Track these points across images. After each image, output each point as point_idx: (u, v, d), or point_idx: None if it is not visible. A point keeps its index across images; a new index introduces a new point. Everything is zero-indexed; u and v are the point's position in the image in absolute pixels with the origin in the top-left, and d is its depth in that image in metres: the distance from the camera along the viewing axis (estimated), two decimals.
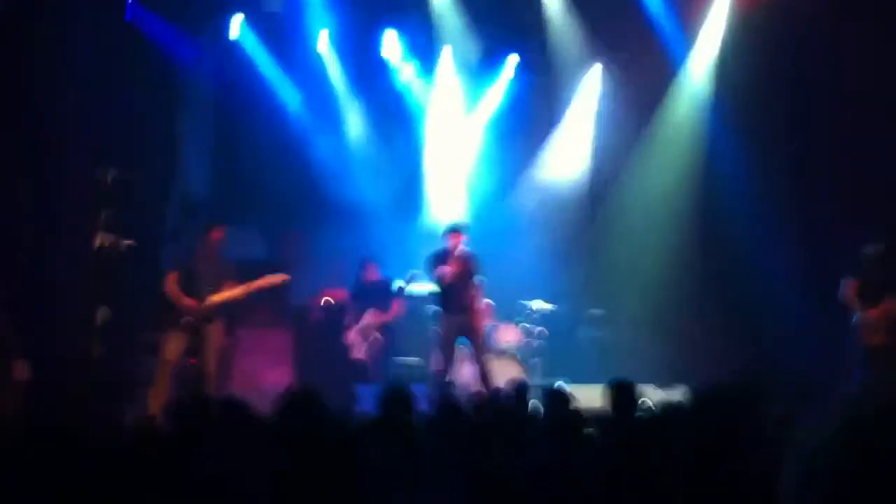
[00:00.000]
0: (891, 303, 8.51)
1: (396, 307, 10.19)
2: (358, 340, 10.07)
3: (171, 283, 8.28)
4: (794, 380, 8.41)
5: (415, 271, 10.05)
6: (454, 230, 9.10)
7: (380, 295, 10.22)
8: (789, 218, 10.39)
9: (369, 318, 10.10)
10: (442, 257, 9.03)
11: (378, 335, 10.08)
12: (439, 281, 9.00)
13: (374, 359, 10.07)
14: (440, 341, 9.07)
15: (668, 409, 4.85)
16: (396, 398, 4.93)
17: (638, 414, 5.25)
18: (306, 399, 4.52)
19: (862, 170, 10.07)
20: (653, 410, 5.79)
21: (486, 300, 9.72)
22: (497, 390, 7.51)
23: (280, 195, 11.50)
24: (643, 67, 11.46)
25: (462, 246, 9.03)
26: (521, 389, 6.19)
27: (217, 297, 8.32)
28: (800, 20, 10.11)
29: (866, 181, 9.99)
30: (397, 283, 10.23)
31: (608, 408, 5.14)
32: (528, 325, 10.61)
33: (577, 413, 4.98)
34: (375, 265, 10.39)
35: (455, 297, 8.95)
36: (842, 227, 9.67)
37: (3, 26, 8.76)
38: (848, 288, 8.65)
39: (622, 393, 5.14)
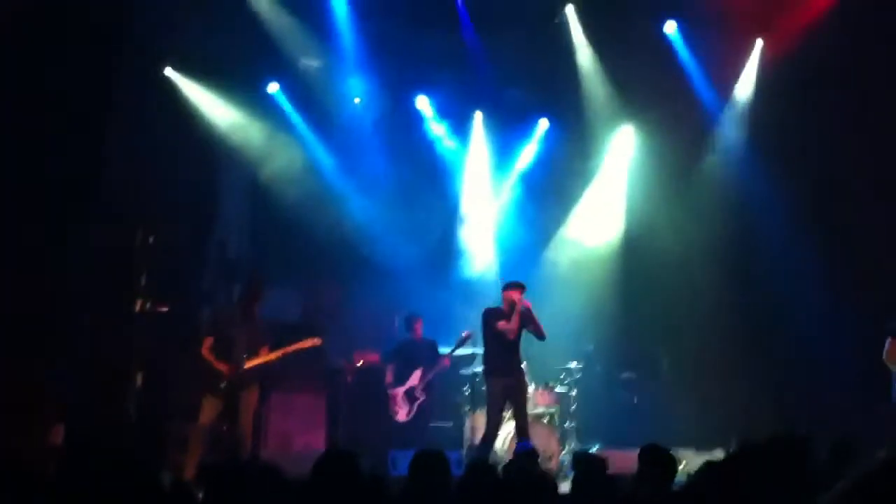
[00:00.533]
0: None
1: (438, 367, 10.06)
2: (403, 402, 9.96)
3: (206, 348, 8.34)
4: (835, 437, 8.23)
5: (466, 334, 9.80)
6: (515, 286, 8.86)
7: (425, 353, 10.12)
8: (828, 274, 10.28)
9: (416, 379, 10.00)
10: (501, 314, 8.80)
11: (425, 396, 9.97)
12: (501, 338, 8.72)
13: (420, 421, 9.94)
14: (490, 405, 8.74)
15: (705, 470, 4.76)
16: (430, 463, 4.89)
17: (677, 479, 5.15)
18: (342, 462, 4.50)
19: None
20: (691, 475, 5.69)
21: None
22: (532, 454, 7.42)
23: (316, 255, 11.58)
24: (675, 124, 11.54)
25: (524, 302, 8.77)
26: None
27: (251, 362, 8.36)
28: (825, 69, 10.14)
29: None
30: (462, 336, 9.93)
31: (643, 473, 5.05)
32: (562, 389, 10.47)
33: (610, 479, 4.90)
34: (421, 321, 10.29)
35: (511, 357, 8.77)
36: (884, 283, 9.56)
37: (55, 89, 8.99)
38: (891, 347, 8.52)
39: (656, 458, 5.05)
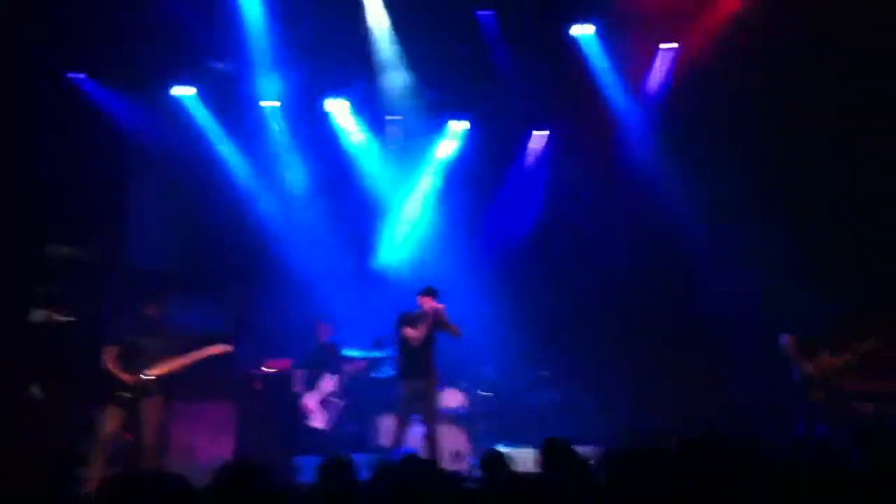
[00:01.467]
0: (825, 358, 8.66)
1: (354, 369, 10.00)
2: (317, 408, 9.86)
3: (109, 358, 8.17)
4: (748, 429, 8.43)
5: (380, 336, 9.91)
6: (427, 292, 8.91)
7: (332, 358, 10.05)
8: (742, 265, 10.49)
9: (327, 384, 9.89)
10: (415, 318, 8.87)
11: (338, 401, 9.88)
12: (411, 342, 8.78)
13: (335, 425, 9.84)
14: (399, 408, 8.82)
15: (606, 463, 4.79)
16: (335, 469, 4.86)
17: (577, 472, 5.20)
18: (244, 471, 4.43)
19: (802, 225, 10.31)
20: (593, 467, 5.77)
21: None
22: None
23: (226, 260, 11.40)
24: (590, 125, 11.64)
25: (435, 309, 8.83)
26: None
27: (155, 371, 8.20)
28: (733, 71, 10.40)
29: (816, 224, 10.24)
30: (376, 341, 9.97)
31: (541, 468, 5.10)
32: (474, 390, 10.52)
33: (513, 475, 4.93)
34: (328, 326, 10.20)
35: (421, 360, 8.80)
36: (789, 285, 9.82)
37: None
38: (788, 343, 8.77)
39: (553, 451, 5.10)
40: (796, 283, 9.32)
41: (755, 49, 10.17)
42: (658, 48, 11.22)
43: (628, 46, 11.10)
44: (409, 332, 8.76)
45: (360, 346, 10.51)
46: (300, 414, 9.84)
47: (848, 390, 9.08)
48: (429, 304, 8.83)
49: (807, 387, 8.62)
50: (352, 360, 10.10)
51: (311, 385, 9.96)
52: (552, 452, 5.13)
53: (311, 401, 9.88)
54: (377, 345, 9.92)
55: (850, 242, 10.31)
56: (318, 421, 9.80)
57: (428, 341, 8.83)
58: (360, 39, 11.19)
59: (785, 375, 8.87)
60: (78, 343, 8.98)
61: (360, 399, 10.21)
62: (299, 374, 10.06)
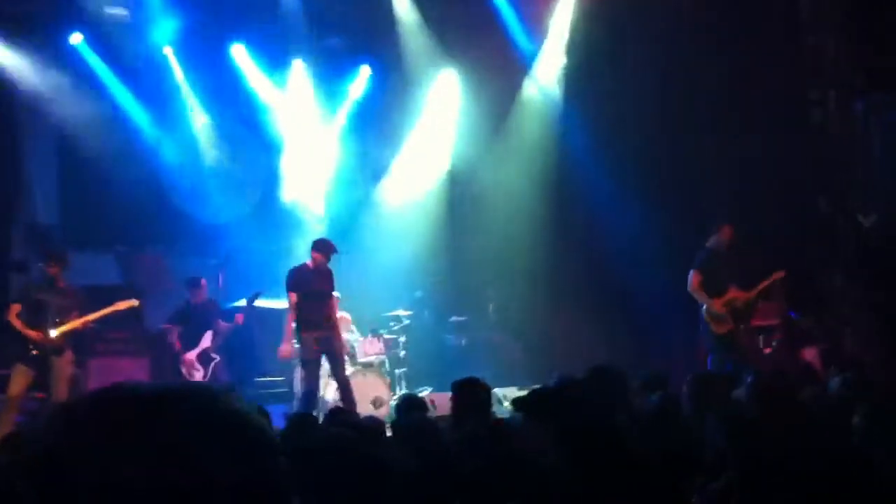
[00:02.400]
0: (733, 293, 8.90)
1: (228, 325, 9.86)
2: (196, 366, 9.65)
3: (14, 315, 7.99)
4: (658, 365, 8.65)
5: (259, 290, 9.83)
6: (317, 246, 8.84)
7: (211, 315, 9.85)
8: (643, 211, 10.67)
9: (207, 340, 9.73)
10: (301, 272, 8.82)
11: (217, 357, 9.72)
12: (308, 293, 8.65)
13: (218, 381, 9.69)
14: (303, 359, 8.79)
15: (524, 400, 4.88)
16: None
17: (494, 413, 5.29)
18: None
19: (705, 163, 10.51)
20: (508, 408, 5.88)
21: (344, 313, 9.63)
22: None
23: (132, 215, 11.10)
24: (495, 67, 11.64)
25: (322, 262, 8.78)
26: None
27: (64, 328, 8.02)
28: (644, 10, 10.49)
29: (709, 175, 10.45)
30: (240, 302, 9.90)
31: (456, 409, 5.16)
32: (390, 336, 10.55)
33: (428, 420, 4.97)
34: (203, 283, 9.97)
35: (314, 312, 8.78)
36: (692, 220, 10.02)
37: None
38: (693, 279, 8.95)
39: (465, 393, 5.16)
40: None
41: None
42: None
43: None
44: (293, 299, 8.64)
45: (277, 296, 10.42)
46: (183, 372, 9.60)
47: (752, 326, 9.40)
48: (316, 256, 8.74)
49: (714, 322, 8.85)
50: (233, 312, 9.91)
51: (192, 344, 9.71)
52: (461, 388, 5.19)
53: (191, 357, 9.65)
54: (255, 297, 9.78)
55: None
56: (198, 377, 9.59)
57: (322, 292, 8.74)
58: None
59: (692, 313, 9.09)
60: None
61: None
62: (175, 332, 9.74)
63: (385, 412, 9.28)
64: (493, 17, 11.52)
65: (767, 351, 9.86)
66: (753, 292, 8.94)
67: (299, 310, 8.70)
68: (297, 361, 9.60)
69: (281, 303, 9.82)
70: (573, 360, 9.62)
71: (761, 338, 9.93)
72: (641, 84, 10.72)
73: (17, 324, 7.95)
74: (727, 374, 7.90)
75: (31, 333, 7.93)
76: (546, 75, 11.89)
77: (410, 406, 5.65)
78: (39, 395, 8.15)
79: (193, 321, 9.73)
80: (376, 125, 12.08)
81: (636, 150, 10.80)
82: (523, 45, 11.86)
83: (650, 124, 10.68)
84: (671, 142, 10.62)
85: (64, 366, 8.06)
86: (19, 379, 7.90)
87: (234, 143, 11.66)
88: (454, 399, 5.22)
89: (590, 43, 11.19)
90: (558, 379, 5.28)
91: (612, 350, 9.69)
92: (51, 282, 8.16)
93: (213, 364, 9.62)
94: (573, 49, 11.56)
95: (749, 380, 5.37)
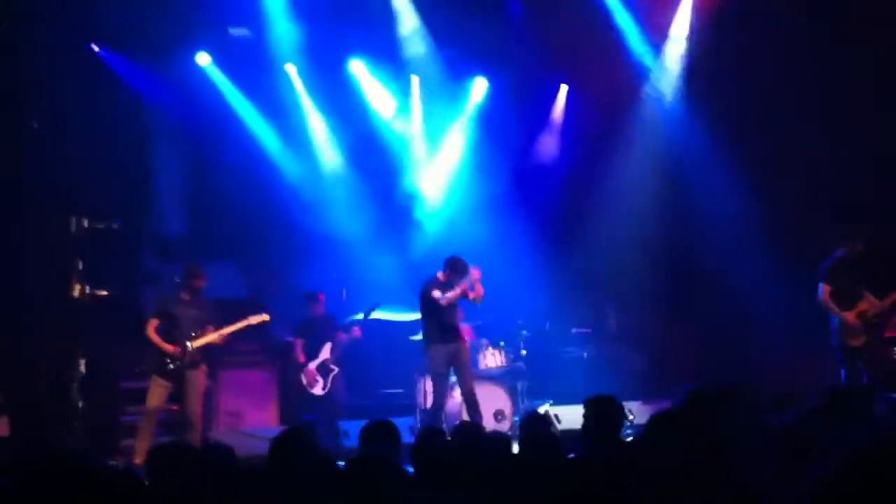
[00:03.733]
0: (865, 304, 8.57)
1: (346, 337, 9.98)
2: (317, 377, 9.84)
3: (152, 330, 8.25)
4: (779, 380, 8.43)
5: (376, 303, 9.97)
6: (453, 260, 8.84)
7: (331, 328, 10.04)
8: (765, 221, 10.41)
9: (327, 352, 9.91)
10: (439, 283, 8.82)
11: (336, 369, 9.90)
12: (438, 306, 8.70)
13: (337, 393, 9.86)
14: (434, 372, 8.81)
15: (653, 420, 4.80)
16: (380, 433, 4.89)
17: (627, 432, 5.21)
18: (299, 439, 4.50)
19: (831, 169, 10.14)
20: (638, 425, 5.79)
21: (465, 325, 9.67)
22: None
23: (257, 230, 11.41)
24: (610, 79, 11.51)
25: (452, 278, 8.77)
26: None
27: (199, 341, 8.28)
28: (761, 19, 10.22)
29: (836, 182, 10.07)
30: (357, 316, 10.05)
31: (588, 424, 5.09)
32: (511, 348, 10.51)
33: (555, 437, 4.93)
34: (322, 297, 10.17)
35: (449, 324, 8.79)
36: (817, 228, 9.71)
37: None
38: (823, 291, 8.67)
39: (601, 408, 5.08)
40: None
41: None
42: None
43: None
44: (437, 293, 8.69)
45: (397, 309, 10.55)
46: (305, 383, 9.81)
47: (886, 337, 9.03)
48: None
49: (846, 335, 8.54)
50: (349, 325, 10.05)
51: (313, 355, 9.90)
52: (595, 406, 5.11)
53: (312, 368, 9.83)
54: (370, 311, 9.89)
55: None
56: (317, 388, 9.78)
57: (454, 305, 8.82)
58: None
59: (821, 325, 8.79)
60: (118, 317, 9.06)
61: (400, 362, 10.23)
62: (299, 345, 9.98)
63: (507, 425, 9.29)
64: (608, 23, 11.40)
65: None
66: (887, 302, 8.59)
67: (427, 322, 8.76)
68: (417, 374, 9.71)
69: (399, 315, 9.96)
70: (695, 375, 9.46)
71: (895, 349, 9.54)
72: (769, 88, 10.43)
73: (155, 338, 8.21)
74: (864, 387, 7.61)
75: (169, 348, 8.18)
76: (664, 82, 11.69)
77: (536, 421, 5.63)
78: (174, 407, 8.40)
79: (314, 333, 9.95)
80: (493, 136, 12.09)
81: (762, 160, 10.51)
82: (639, 51, 11.69)
83: (778, 131, 10.39)
84: (802, 146, 10.27)
85: (199, 379, 8.30)
86: (157, 391, 8.16)
87: (353, 157, 11.84)
88: (587, 415, 5.16)
89: (710, 49, 10.95)
90: (687, 394, 5.17)
91: (730, 365, 9.49)
92: (189, 296, 8.40)
93: (331, 375, 9.81)
94: (692, 54, 11.33)
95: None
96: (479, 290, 8.77)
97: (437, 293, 8.69)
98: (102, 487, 4.04)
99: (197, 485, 4.26)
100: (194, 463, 4.51)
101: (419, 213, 12.09)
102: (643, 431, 4.88)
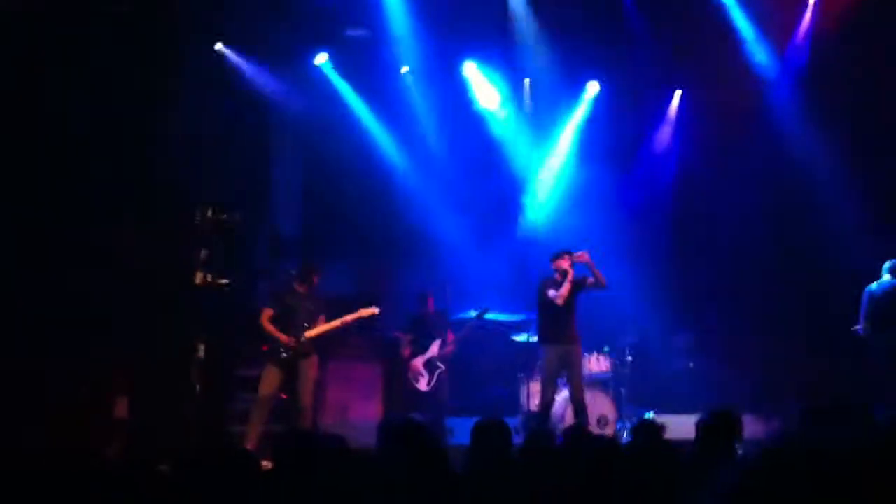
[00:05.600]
0: None
1: (456, 336, 10.06)
2: (423, 372, 9.97)
3: (266, 319, 8.50)
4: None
5: (487, 306, 10.02)
6: (561, 254, 8.78)
7: (442, 325, 10.16)
8: (884, 231, 10.08)
9: (435, 349, 10.04)
10: (554, 282, 8.78)
11: (443, 366, 10.01)
12: (553, 306, 8.67)
13: (441, 390, 9.98)
14: (544, 373, 8.79)
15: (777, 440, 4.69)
16: (492, 431, 4.93)
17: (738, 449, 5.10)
18: (411, 432, 4.57)
19: None
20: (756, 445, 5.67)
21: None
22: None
23: (369, 228, 11.60)
24: (727, 85, 11.34)
25: (580, 258, 8.70)
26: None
27: (311, 332, 8.49)
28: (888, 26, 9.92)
29: None
30: (472, 313, 10.11)
31: (707, 439, 5.01)
32: (617, 354, 10.47)
33: (668, 445, 4.88)
34: (432, 296, 10.31)
35: (564, 324, 8.77)
36: None
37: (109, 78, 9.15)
38: None
39: (716, 424, 4.98)
40: None
41: None
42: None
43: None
44: (552, 293, 8.67)
45: (506, 311, 10.59)
46: (410, 378, 9.92)
47: None
48: (566, 264, 8.70)
49: None
50: (459, 325, 10.10)
51: (420, 351, 9.99)
52: (714, 424, 5.02)
53: (419, 364, 9.94)
54: (483, 313, 9.92)
55: None
56: (422, 384, 9.88)
57: (570, 306, 8.75)
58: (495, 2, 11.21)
59: None
60: (235, 306, 9.35)
61: (504, 362, 10.28)
62: (407, 340, 10.10)
63: (610, 431, 9.25)
64: (727, 29, 11.22)
65: None
66: None
67: (541, 322, 8.77)
68: (522, 375, 9.74)
69: (502, 316, 9.99)
70: (798, 390, 9.25)
71: None
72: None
73: (270, 328, 8.44)
74: None
75: (283, 337, 8.41)
76: (782, 91, 11.44)
77: (648, 430, 5.60)
78: (283, 395, 8.62)
79: (424, 330, 10.08)
80: (604, 141, 12.03)
81: (888, 172, 10.18)
82: (760, 59, 11.47)
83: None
84: None
85: (310, 368, 8.50)
86: (270, 380, 8.38)
87: (466, 161, 11.93)
88: (701, 429, 5.08)
89: (832, 56, 10.67)
90: (803, 413, 5.04)
91: (835, 382, 9.24)
92: (303, 286, 8.62)
93: (437, 372, 9.91)
94: (813, 62, 11.06)
95: None
96: (598, 274, 8.67)
97: (551, 293, 8.67)
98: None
99: (316, 472, 4.38)
100: (314, 451, 4.65)
101: (529, 215, 12.11)
102: (763, 454, 4.76)
